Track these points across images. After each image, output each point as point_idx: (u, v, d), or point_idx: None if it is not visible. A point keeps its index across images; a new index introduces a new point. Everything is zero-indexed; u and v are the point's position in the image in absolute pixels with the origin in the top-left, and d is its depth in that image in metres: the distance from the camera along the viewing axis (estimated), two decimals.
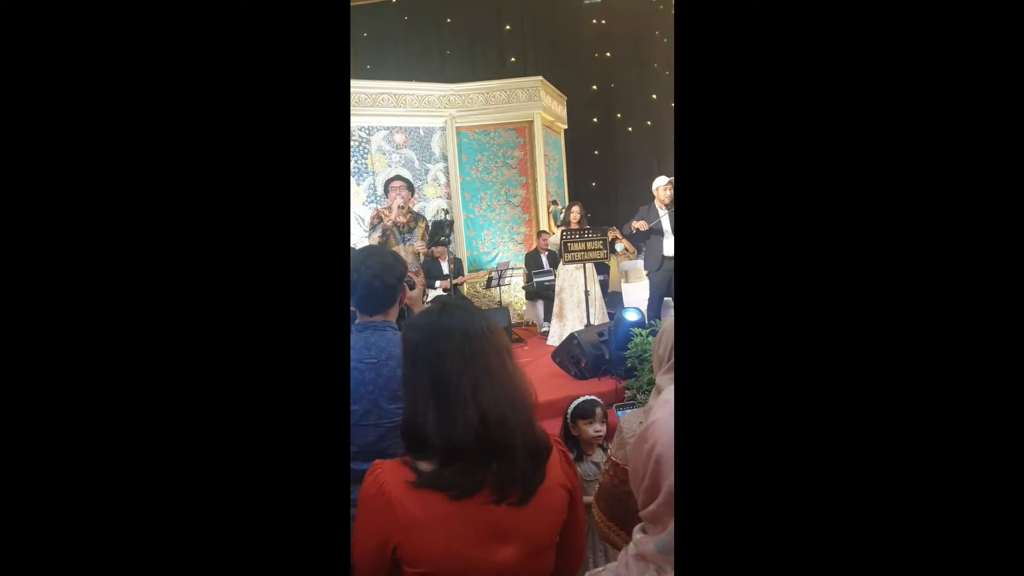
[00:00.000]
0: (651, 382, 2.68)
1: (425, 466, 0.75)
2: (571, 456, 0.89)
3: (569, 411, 1.88)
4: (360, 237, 4.66)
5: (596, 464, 1.86)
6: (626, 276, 5.69)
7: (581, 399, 1.91)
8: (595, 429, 1.85)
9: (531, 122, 5.73)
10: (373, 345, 1.23)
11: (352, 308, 1.29)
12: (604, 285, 5.33)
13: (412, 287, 1.39)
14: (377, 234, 3.43)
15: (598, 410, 1.87)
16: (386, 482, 0.74)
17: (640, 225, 3.87)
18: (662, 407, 0.72)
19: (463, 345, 0.77)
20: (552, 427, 2.10)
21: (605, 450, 1.89)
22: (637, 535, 0.72)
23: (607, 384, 3.16)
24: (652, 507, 0.69)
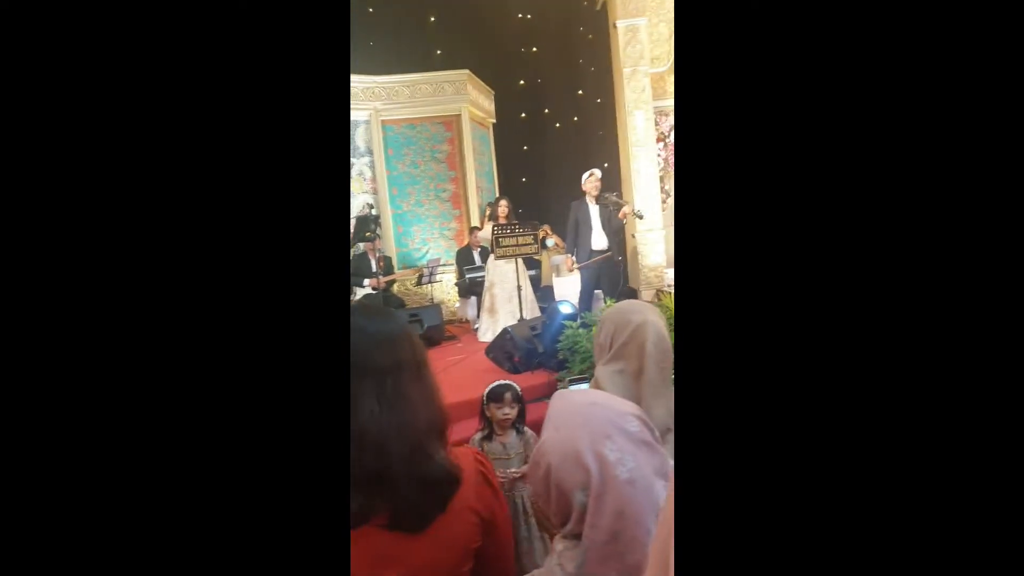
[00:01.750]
0: (582, 372, 2.71)
1: None
2: (494, 474, 0.84)
3: (484, 394, 2.07)
4: None
5: (503, 444, 2.05)
6: (557, 270, 5.76)
7: (495, 383, 2.08)
8: (503, 412, 2.01)
9: (459, 116, 5.67)
10: None
11: None
12: (535, 280, 5.36)
13: None
14: None
15: (507, 394, 2.02)
16: None
17: (557, 240, 4.00)
18: (547, 426, 0.71)
19: (353, 360, 0.68)
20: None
21: (519, 432, 2.06)
22: (559, 545, 0.71)
23: (540, 377, 3.17)
24: (569, 526, 0.68)
